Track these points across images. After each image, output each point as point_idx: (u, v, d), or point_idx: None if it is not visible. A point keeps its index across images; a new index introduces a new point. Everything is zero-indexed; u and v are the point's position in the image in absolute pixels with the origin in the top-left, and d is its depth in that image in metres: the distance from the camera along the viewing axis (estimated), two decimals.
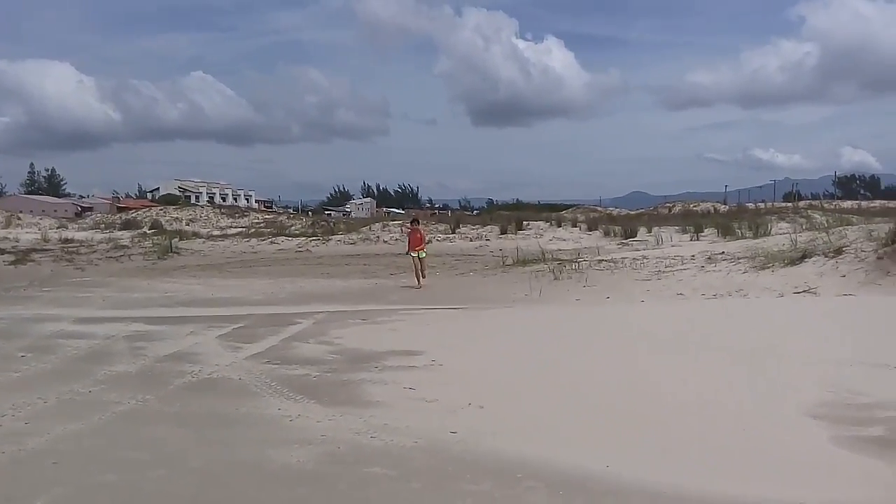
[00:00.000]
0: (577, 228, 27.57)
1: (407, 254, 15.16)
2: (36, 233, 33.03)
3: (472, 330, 9.26)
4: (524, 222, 27.96)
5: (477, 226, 28.72)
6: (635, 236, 24.11)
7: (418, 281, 14.15)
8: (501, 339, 8.48)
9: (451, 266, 18.46)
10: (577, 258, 15.66)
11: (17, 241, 27.75)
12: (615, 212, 49.85)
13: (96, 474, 4.16)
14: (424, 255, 14.72)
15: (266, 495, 3.85)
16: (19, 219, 41.58)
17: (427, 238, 16.10)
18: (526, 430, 4.90)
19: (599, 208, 57.76)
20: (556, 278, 13.34)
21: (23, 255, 21.48)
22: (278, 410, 5.46)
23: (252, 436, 4.87)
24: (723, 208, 45.94)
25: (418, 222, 16.52)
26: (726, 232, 21.14)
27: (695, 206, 47.56)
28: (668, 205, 54.37)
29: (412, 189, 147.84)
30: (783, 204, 50.17)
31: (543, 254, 16.29)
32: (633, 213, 47.24)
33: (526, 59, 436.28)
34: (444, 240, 25.83)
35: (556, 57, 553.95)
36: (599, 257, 16.54)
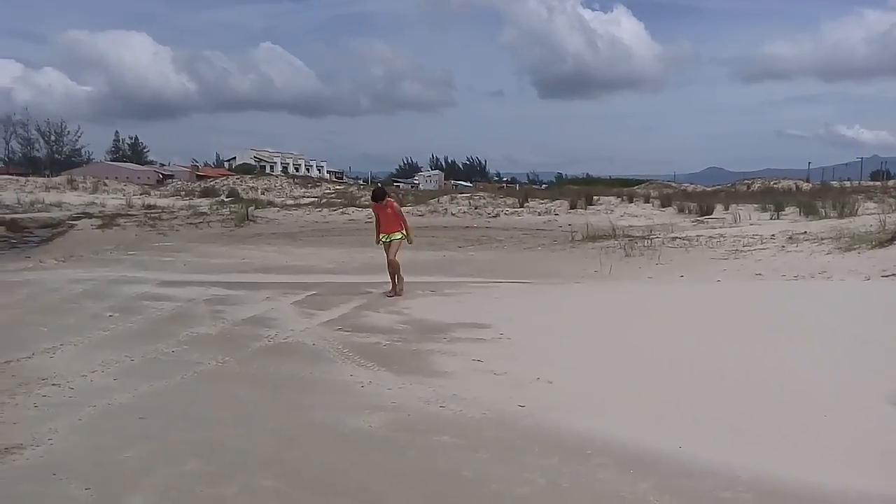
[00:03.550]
0: (650, 204, 26.86)
1: (377, 242, 10.03)
2: (121, 198, 34.68)
3: (540, 304, 9.21)
4: (594, 197, 27.43)
5: (545, 200, 28.35)
6: (711, 214, 23.30)
7: (392, 284, 9.58)
8: (570, 314, 8.40)
9: (519, 240, 18.36)
10: (649, 235, 15.30)
11: (103, 207, 29.22)
12: (690, 188, 48.26)
13: (180, 430, 4.38)
14: (400, 236, 9.74)
15: (339, 458, 3.97)
16: (105, 185, 43.68)
17: (402, 214, 10.26)
18: (595, 406, 4.86)
19: (673, 184, 56.04)
20: (627, 255, 13.08)
21: (109, 220, 22.58)
22: (350, 376, 5.59)
23: (325, 400, 5.02)
24: (805, 186, 43.79)
25: (386, 194, 10.30)
26: (809, 211, 20.19)
27: (775, 184, 45.47)
28: (746, 182, 52.19)
29: (480, 162, 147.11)
30: (871, 183, 47.48)
31: (614, 230, 15.99)
32: (709, 189, 45.52)
33: (593, 30, 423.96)
34: (511, 214, 25.65)
35: (624, 27, 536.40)
36: (673, 234, 16.11)
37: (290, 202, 33.97)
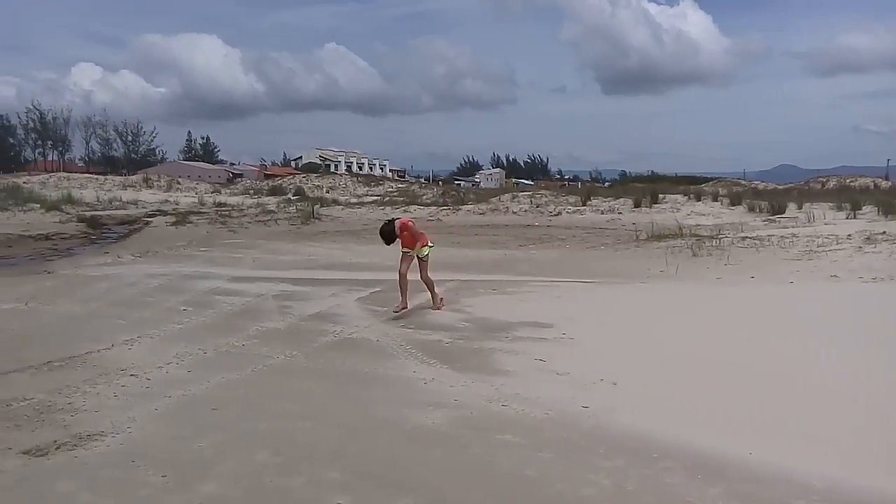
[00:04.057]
0: (718, 203, 26.08)
1: (406, 252, 8.29)
2: (193, 196, 35.98)
3: (604, 304, 9.08)
4: (660, 195, 26.82)
5: (609, 198, 27.90)
6: (783, 213, 22.45)
7: (402, 298, 8.04)
8: (635, 314, 8.25)
9: (582, 239, 18.13)
10: (717, 234, 14.87)
11: (177, 204, 30.36)
12: (760, 186, 46.63)
13: (251, 422, 4.53)
14: (427, 251, 8.40)
15: (402, 453, 4.02)
16: (179, 183, 45.39)
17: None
18: (661, 409, 4.77)
19: (743, 182, 54.31)
20: (694, 255, 12.74)
21: (182, 217, 23.44)
22: (413, 373, 5.66)
23: (389, 395, 5.09)
24: (884, 184, 41.76)
25: (393, 232, 8.38)
26: (888, 210, 19.21)
27: (851, 182, 43.55)
28: (820, 179, 50.19)
29: (542, 159, 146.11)
30: None
31: (680, 229, 15.60)
32: (780, 187, 43.89)
33: (658, 24, 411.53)
34: (574, 212, 25.37)
35: (691, 21, 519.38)
36: (743, 234, 15.61)
37: (353, 200, 34.54)
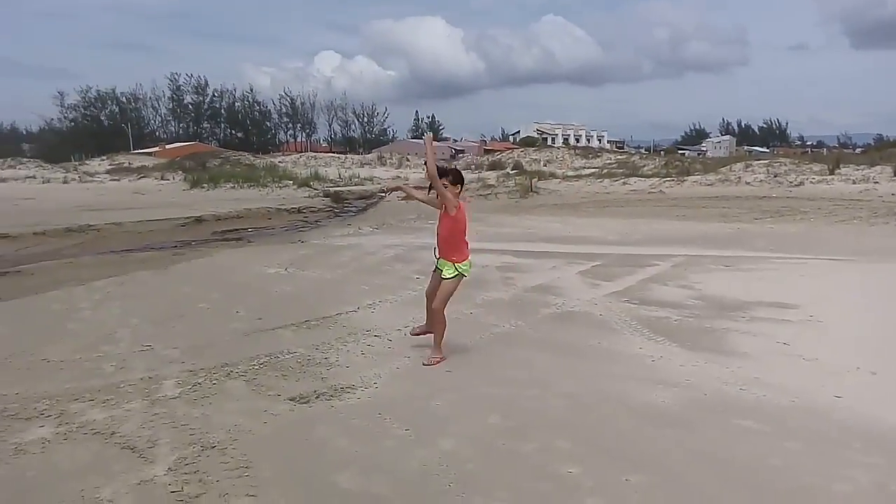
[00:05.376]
0: None
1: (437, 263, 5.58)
2: (421, 173, 38.12)
3: (858, 285, 8.10)
4: None
5: (862, 166, 24.54)
6: None
7: (437, 343, 5.37)
8: None
9: (829, 212, 16.25)
10: None
11: (406, 180, 32.41)
12: None
13: (480, 386, 4.75)
14: (453, 273, 5.39)
15: (632, 430, 3.97)
16: (408, 160, 48.47)
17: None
18: None
19: None
20: None
21: None
22: (639, 349, 5.53)
23: (615, 371, 5.03)
24: None
25: (459, 177, 5.50)
26: None
27: None
28: None
29: (779, 124, 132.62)
30: None
31: None
32: None
33: None
34: (818, 182, 22.74)
35: None
36: None
37: (570, 173, 34.22)
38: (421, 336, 5.63)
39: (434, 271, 5.58)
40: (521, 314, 6.77)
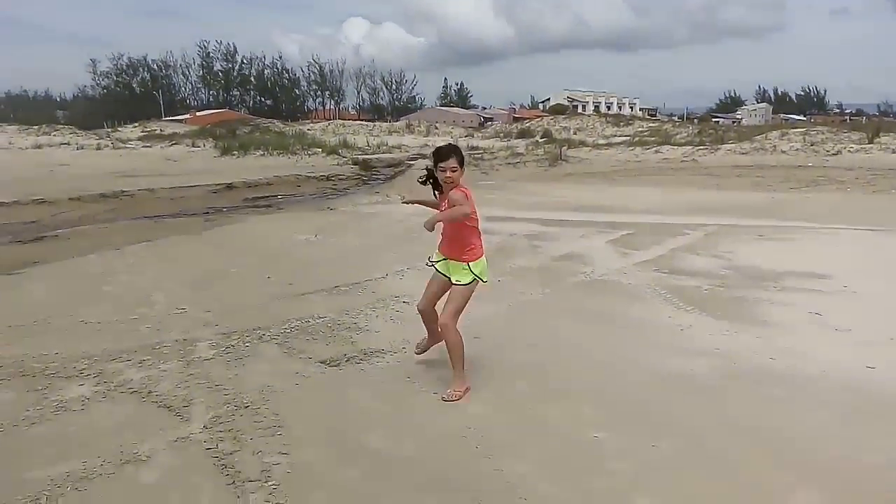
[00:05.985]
0: None
1: (429, 262, 4.50)
2: (449, 140, 37.94)
3: None
4: None
5: None
6: None
7: (457, 372, 4.08)
8: None
9: (867, 182, 15.86)
10: None
11: (432, 148, 32.31)
12: None
13: (509, 352, 4.78)
14: (470, 278, 4.16)
15: (660, 397, 3.97)
16: (436, 128, 48.26)
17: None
18: None
19: None
20: None
21: None
22: (669, 318, 5.50)
23: (644, 339, 5.02)
24: None
25: (460, 158, 4.29)
26: None
27: None
28: None
29: (817, 92, 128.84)
30: None
31: None
32: None
33: None
34: (857, 151, 22.14)
35: None
36: None
37: (601, 142, 33.78)
38: (431, 349, 4.51)
39: (432, 279, 4.36)
40: (549, 282, 6.76)
